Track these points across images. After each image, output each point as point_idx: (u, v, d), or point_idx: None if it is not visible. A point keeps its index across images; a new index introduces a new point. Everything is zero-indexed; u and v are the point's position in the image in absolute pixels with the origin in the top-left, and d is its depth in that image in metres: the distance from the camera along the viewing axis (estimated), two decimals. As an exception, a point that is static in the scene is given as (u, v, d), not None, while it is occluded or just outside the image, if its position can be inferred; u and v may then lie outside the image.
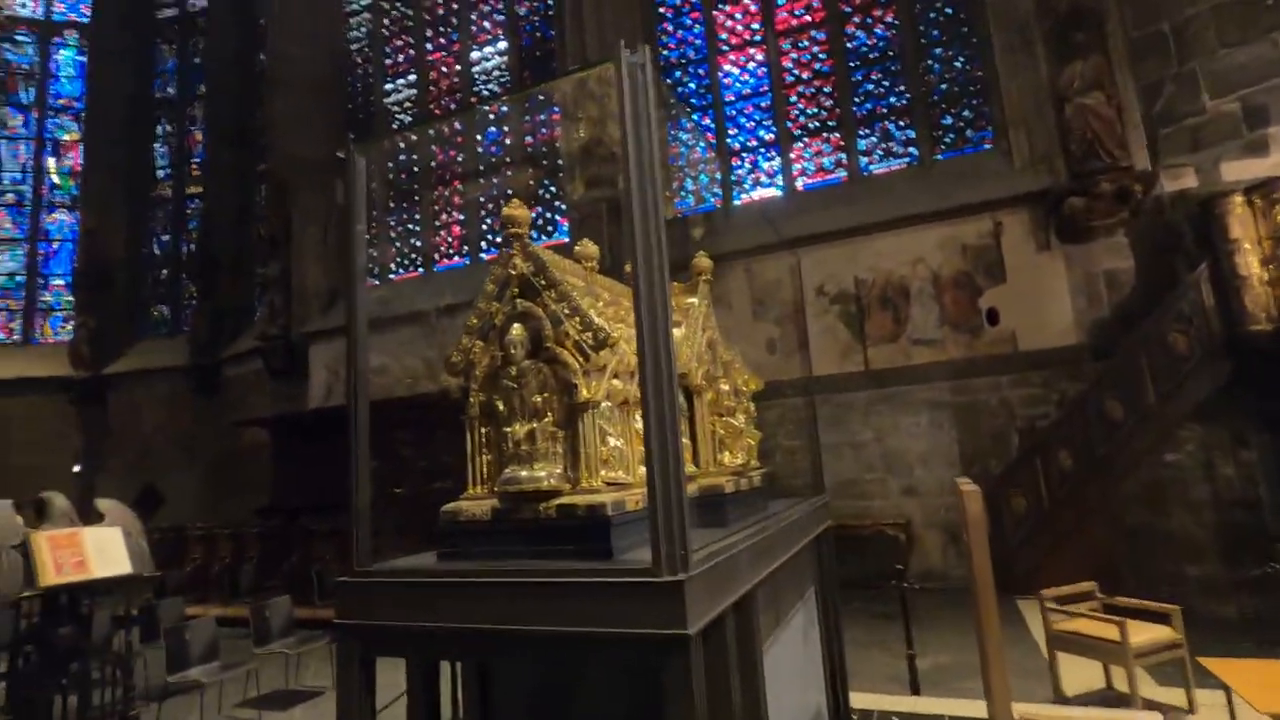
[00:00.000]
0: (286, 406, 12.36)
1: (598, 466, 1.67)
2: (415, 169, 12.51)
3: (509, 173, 11.85)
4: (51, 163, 16.07)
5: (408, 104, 13.25)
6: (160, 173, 16.21)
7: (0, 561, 3.60)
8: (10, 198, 15.76)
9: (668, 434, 1.35)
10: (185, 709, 5.16)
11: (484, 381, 1.78)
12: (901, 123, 9.15)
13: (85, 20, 16.58)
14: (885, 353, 8.74)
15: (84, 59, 16.49)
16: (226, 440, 13.84)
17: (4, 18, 15.83)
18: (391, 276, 12.83)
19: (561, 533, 1.59)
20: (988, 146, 8.71)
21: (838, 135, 9.45)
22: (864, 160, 9.31)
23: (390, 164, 12.64)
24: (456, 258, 12.20)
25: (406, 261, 12.72)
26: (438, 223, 12.43)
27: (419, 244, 12.48)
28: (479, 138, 12.29)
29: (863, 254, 8.82)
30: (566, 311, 1.70)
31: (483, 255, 12.09)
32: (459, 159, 12.27)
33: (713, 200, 10.02)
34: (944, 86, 8.92)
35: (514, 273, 1.76)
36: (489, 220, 12.11)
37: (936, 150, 9.04)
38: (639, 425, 1.88)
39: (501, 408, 1.72)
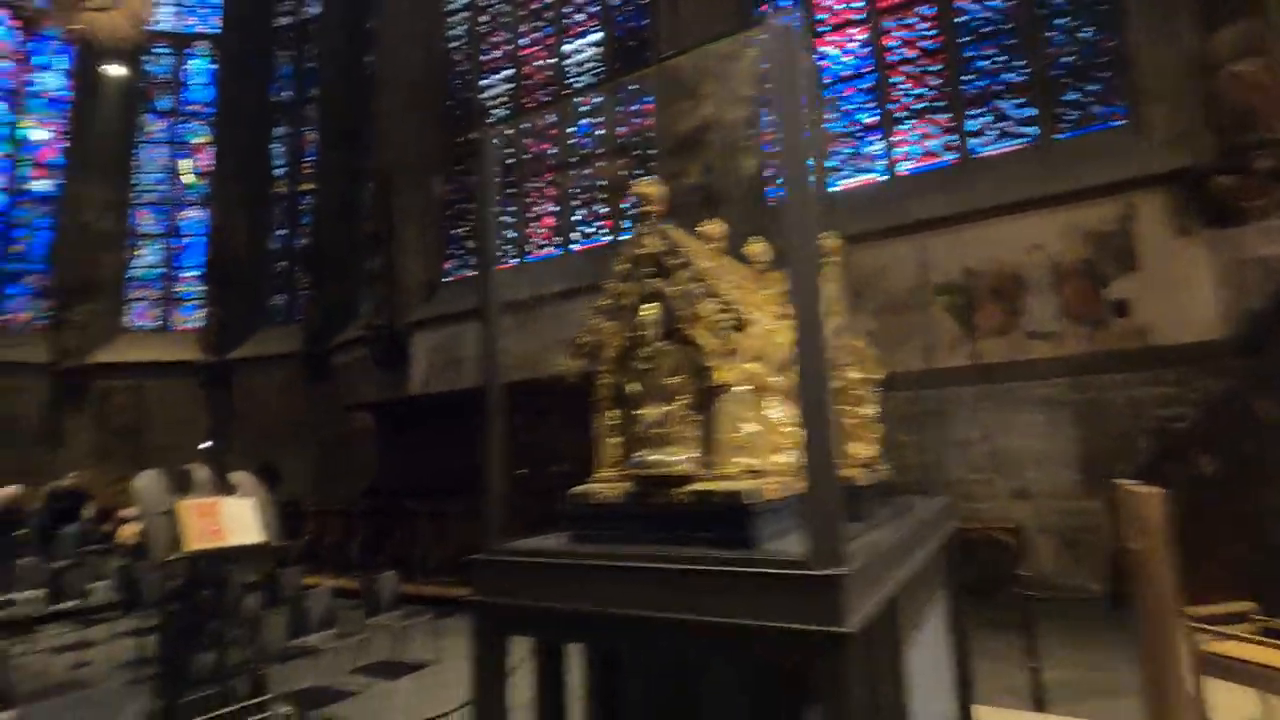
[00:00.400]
0: (390, 393, 12.98)
1: (732, 452, 1.60)
2: (510, 161, 12.80)
3: (599, 164, 11.93)
4: (184, 164, 17.50)
5: (502, 99, 13.56)
6: (277, 171, 17.33)
7: (152, 526, 3.92)
8: (152, 196, 17.30)
9: (824, 421, 1.26)
10: (303, 672, 5.48)
11: (614, 363, 1.74)
12: (1018, 100, 8.54)
13: (216, 32, 17.91)
14: (996, 346, 8.22)
15: (214, 68, 17.84)
16: (336, 424, 14.70)
17: (146, 34, 17.32)
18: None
19: (696, 519, 1.54)
20: (1117, 123, 7.99)
21: (946, 116, 8.94)
22: (975, 142, 8.77)
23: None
24: (549, 249, 12.42)
25: (500, 253, 13.04)
26: (529, 214, 12.68)
27: (513, 235, 12.78)
28: (570, 130, 12.43)
29: (973, 241, 8.31)
30: (700, 292, 1.64)
31: (572, 246, 12.25)
32: (551, 151, 12.46)
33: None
34: (1068, 60, 8.25)
35: (646, 252, 1.71)
36: (580, 212, 12.26)
37: (1057, 129, 8.39)
38: (773, 412, 1.80)
39: (632, 390, 1.68)
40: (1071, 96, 8.27)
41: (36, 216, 16.37)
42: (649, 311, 1.66)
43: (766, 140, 10.07)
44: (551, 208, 12.40)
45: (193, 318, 16.99)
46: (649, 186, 1.76)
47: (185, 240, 17.28)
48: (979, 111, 8.73)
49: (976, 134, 8.75)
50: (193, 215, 17.40)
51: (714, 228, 2.00)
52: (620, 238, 11.34)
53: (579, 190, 12.24)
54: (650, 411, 1.63)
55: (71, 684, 5.62)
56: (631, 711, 1.91)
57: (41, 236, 16.36)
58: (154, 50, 17.51)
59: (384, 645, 5.89)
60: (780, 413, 1.79)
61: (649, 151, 10.94)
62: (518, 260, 12.72)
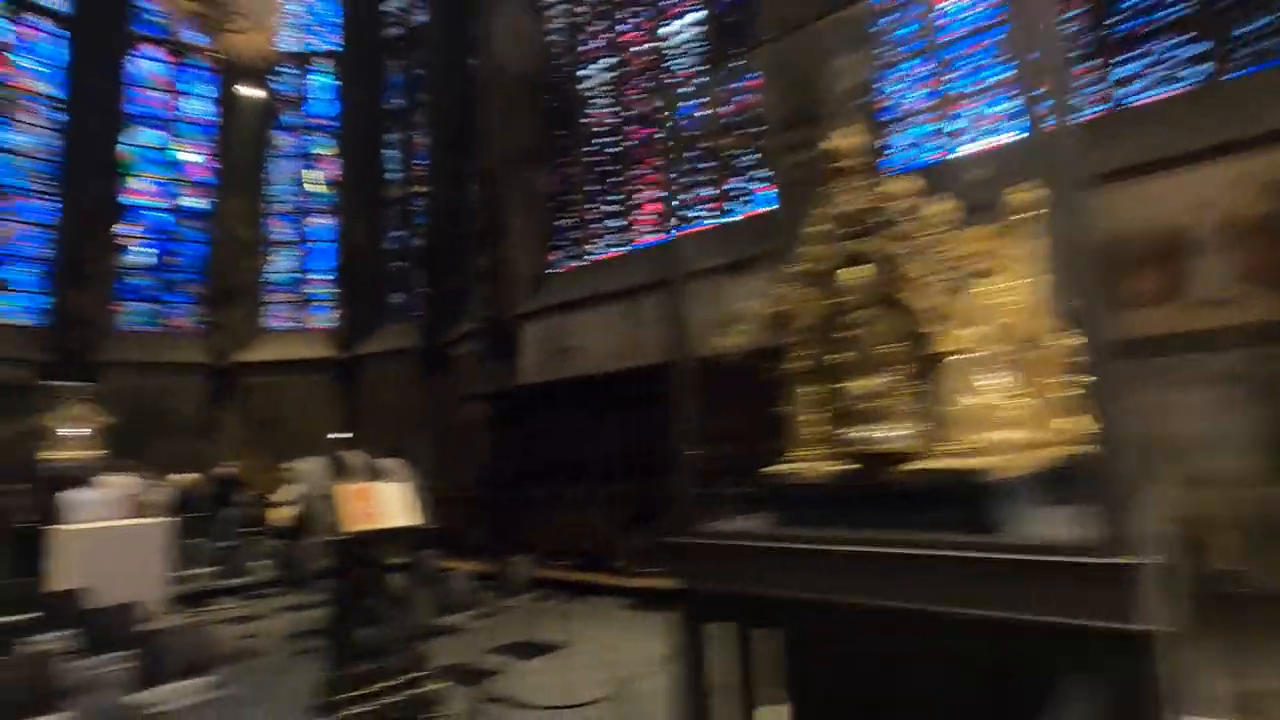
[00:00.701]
0: (501, 383, 13.41)
1: (958, 426, 1.43)
2: (617, 147, 12.83)
3: (703, 145, 11.73)
4: (309, 174, 18.79)
5: (603, 88, 13.61)
6: (393, 176, 18.27)
7: (314, 508, 4.17)
8: (285, 206, 18.70)
9: (1112, 391, 1.08)
10: (446, 649, 5.72)
11: (811, 333, 1.61)
12: (1177, 39, 7.61)
13: (335, 48, 19.06)
14: (1154, 317, 7.39)
15: (336, 83, 19.01)
16: (452, 413, 15.39)
17: (276, 54, 18.68)
18: (590, 256, 13.34)
19: (921, 500, 1.39)
20: (1305, 55, 6.95)
21: (1091, 64, 8.10)
22: (1125, 90, 7.90)
23: (591, 143, 13.10)
24: (654, 235, 12.37)
25: (606, 242, 13.15)
26: (635, 199, 12.68)
27: (619, 223, 12.83)
28: (670, 112, 12.28)
29: (1124, 200, 7.49)
30: (909, 252, 1.48)
31: (673, 232, 12.10)
32: (656, 135, 12.38)
33: (932, 154, 9.12)
34: (1241, -14, 7.25)
35: (848, 210, 1.57)
36: (681, 196, 12.10)
37: (1227, 68, 7.41)
38: (997, 381, 1.62)
39: (836, 361, 1.55)
40: (1245, 29, 7.27)
41: (192, 231, 18.07)
42: (855, 274, 1.52)
43: (881, 108, 9.56)
44: (657, 194, 12.32)
45: (323, 318, 18.25)
46: (845, 139, 1.61)
47: (314, 245, 18.55)
48: (1130, 55, 7.85)
49: (1127, 81, 7.87)
50: (320, 222, 18.66)
51: (910, 183, 1.82)
52: (730, 218, 11.13)
53: (678, 176, 12.07)
54: (860, 383, 1.49)
55: (243, 653, 6.16)
56: (827, 701, 1.79)
57: (197, 249, 18.06)
58: (280, 70, 18.85)
59: (518, 626, 6.08)
60: (1006, 381, 1.60)
61: (758, 129, 10.63)
62: (623, 249, 12.77)
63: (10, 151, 16.15)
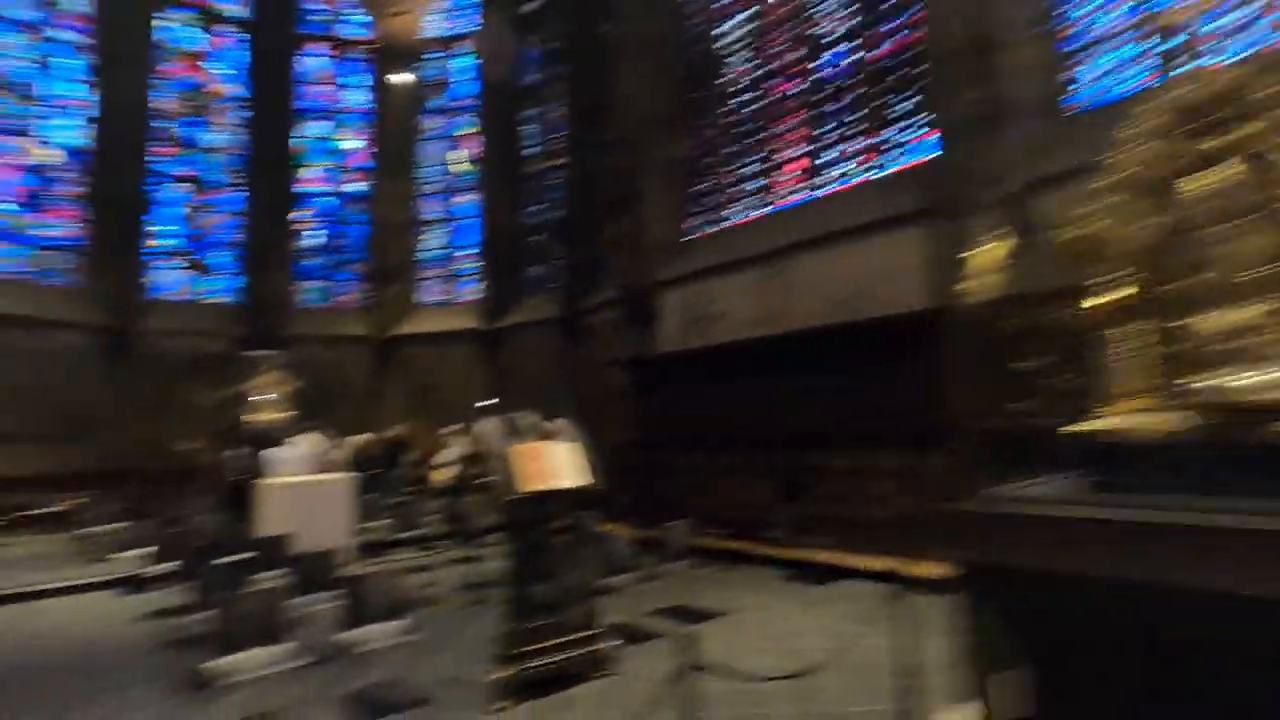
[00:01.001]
0: (641, 350, 13.49)
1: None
2: (756, 104, 12.35)
3: (851, 95, 10.97)
4: (454, 155, 19.72)
5: (740, 44, 13.09)
6: (532, 149, 18.76)
7: (496, 469, 4.30)
8: (434, 187, 19.81)
9: None
10: (608, 609, 5.81)
11: (1136, 261, 1.31)
12: None
13: (475, 29, 19.76)
14: None
15: (475, 63, 19.75)
16: (592, 382, 15.76)
17: (420, 41, 19.66)
18: (727, 221, 13.00)
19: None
20: None
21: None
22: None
23: (728, 104, 12.69)
24: (797, 195, 11.82)
25: (744, 205, 12.75)
26: (777, 159, 12.16)
27: (759, 184, 12.39)
28: (813, 65, 11.59)
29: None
30: (1289, 146, 1.13)
31: (817, 192, 11.49)
32: (801, 89, 11.76)
33: (1132, 83, 7.91)
34: None
35: (1197, 98, 1.24)
36: (828, 152, 11.44)
37: None
38: None
39: (1171, 294, 1.24)
40: None
41: (355, 214, 19.62)
42: (1211, 180, 1.20)
43: (1064, 37, 8.43)
44: (799, 150, 11.74)
45: (470, 291, 19.26)
46: (1183, 10, 1.27)
47: (460, 223, 19.54)
48: None
49: None
50: (466, 200, 19.59)
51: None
52: (880, 172, 10.38)
53: (826, 131, 11.40)
54: (1215, 319, 1.18)
55: (426, 601, 6.65)
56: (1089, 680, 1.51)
57: (359, 230, 19.61)
58: (427, 55, 19.83)
59: (677, 591, 6.09)
60: None
61: (914, 71, 9.76)
62: (764, 212, 12.32)
63: (210, 150, 18.22)
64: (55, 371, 14.79)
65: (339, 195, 19.63)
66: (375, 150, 19.74)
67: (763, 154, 12.40)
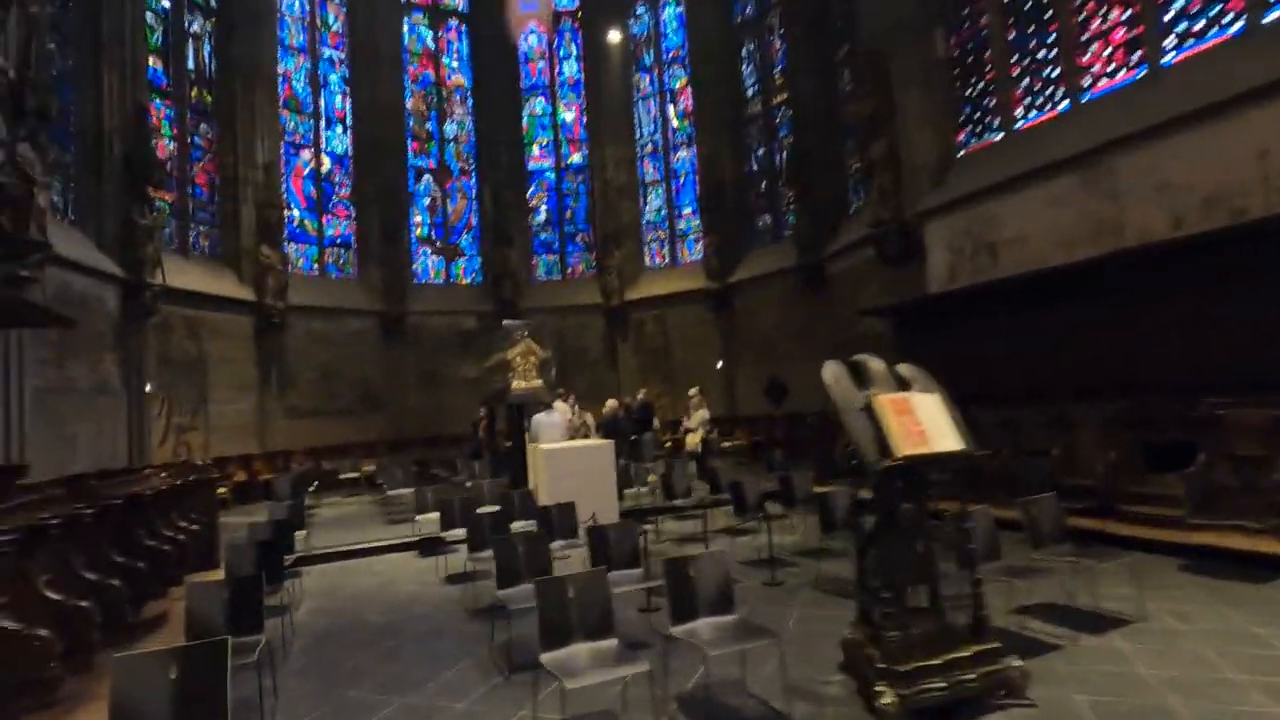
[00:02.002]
0: (904, 293, 11.71)
1: None
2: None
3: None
4: (671, 109, 18.99)
5: (1018, -98, 10.48)
6: (749, 91, 17.40)
7: (855, 425, 3.26)
8: (650, 147, 19.33)
9: None
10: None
11: None
12: None
13: (678, -26, 18.74)
14: None
15: (680, 9, 18.77)
16: (837, 333, 14.25)
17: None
18: (1013, 126, 10.62)
19: None
20: None
21: None
22: None
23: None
24: (1119, 76, 9.17)
25: (1037, 102, 10.28)
26: (1081, 36, 9.55)
27: (1056, 73, 9.88)
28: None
29: None
30: None
31: (1166, 59, 8.69)
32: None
33: None
34: None
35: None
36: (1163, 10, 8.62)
37: None
38: None
39: None
40: None
41: (579, 184, 19.86)
42: None
43: None
44: (1123, 15, 9.05)
45: (695, 250, 18.57)
46: None
47: (680, 181, 18.86)
48: None
49: None
50: (683, 156, 18.84)
51: None
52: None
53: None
54: None
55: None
56: None
57: (582, 201, 19.82)
58: (636, 12, 19.23)
59: (1048, 586, 4.67)
60: None
61: None
62: (1065, 107, 9.81)
63: (449, 140, 19.44)
64: (348, 353, 16.77)
65: (563, 168, 19.95)
66: (591, 118, 19.70)
67: (1057, 34, 9.84)
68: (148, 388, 12.41)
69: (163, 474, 7.54)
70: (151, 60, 13.74)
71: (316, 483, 13.09)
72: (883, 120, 11.85)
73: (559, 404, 10.10)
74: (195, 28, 14.92)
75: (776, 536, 6.86)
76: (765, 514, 6.74)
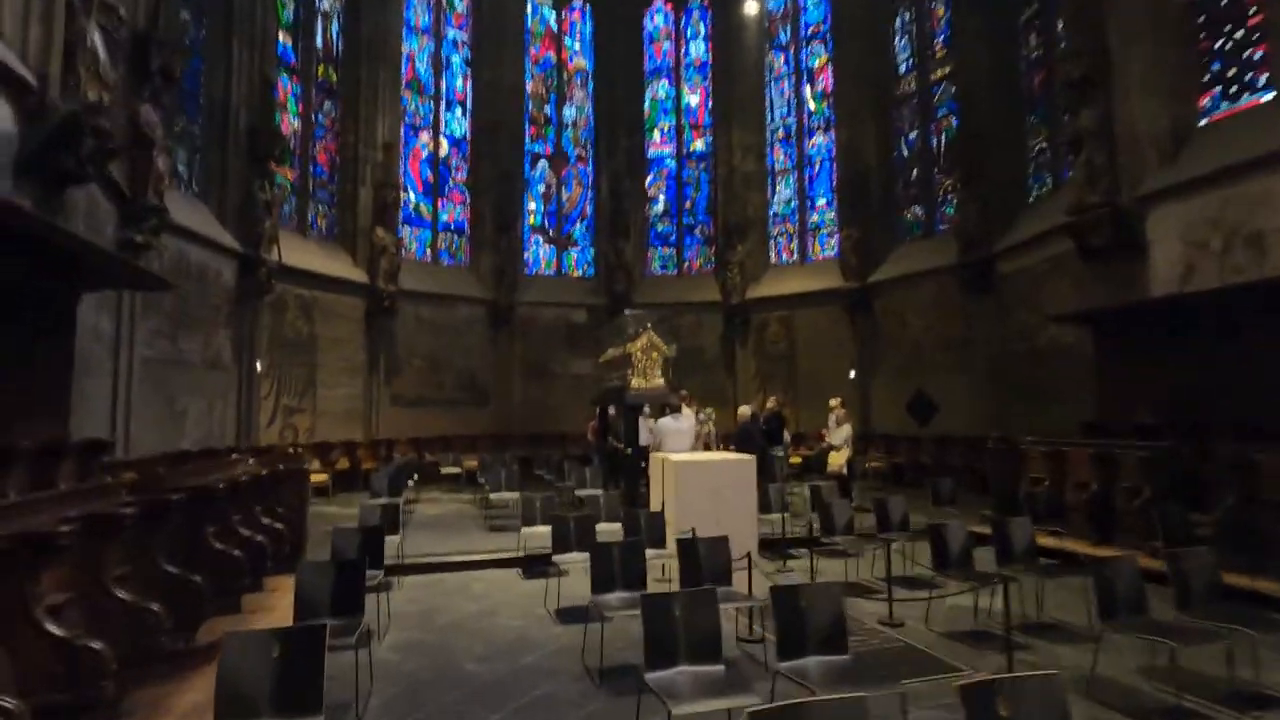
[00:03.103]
0: (1107, 296, 9.48)
1: None
2: None
3: None
4: (808, 90, 17.24)
5: None
6: (902, 67, 15.39)
7: None
8: (781, 133, 17.64)
9: None
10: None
11: None
12: None
13: (823, -59, 16.98)
14: None
15: (825, -20, 16.99)
16: (1012, 341, 12.06)
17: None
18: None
19: None
20: None
21: None
22: None
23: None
24: None
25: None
26: None
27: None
28: None
29: None
30: None
31: None
32: None
33: None
34: None
35: None
36: None
37: None
38: None
39: None
40: None
41: (699, 172, 18.46)
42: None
43: None
44: None
45: (829, 245, 16.72)
46: None
47: (816, 169, 17.05)
48: None
49: None
50: (819, 141, 17.04)
51: None
52: None
53: None
54: None
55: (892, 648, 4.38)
56: None
57: (704, 190, 18.40)
58: (772, -15, 17.64)
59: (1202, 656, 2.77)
60: None
61: None
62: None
63: (567, 126, 18.56)
64: (455, 342, 16.14)
65: (684, 155, 18.62)
66: (716, 102, 18.25)
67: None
68: (258, 366, 12.08)
69: (250, 460, 6.73)
70: (281, 36, 13.55)
71: (416, 476, 12.34)
72: (1095, 85, 9.67)
73: (688, 410, 8.67)
74: (325, 6, 14.70)
75: (983, 599, 5.15)
76: (998, 577, 5.00)
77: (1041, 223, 11.18)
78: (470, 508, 11.10)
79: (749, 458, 7.18)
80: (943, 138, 14.41)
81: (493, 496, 9.30)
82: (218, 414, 11.17)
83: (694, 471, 6.84)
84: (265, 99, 12.27)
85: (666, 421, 7.92)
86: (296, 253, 13.08)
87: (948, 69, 14.20)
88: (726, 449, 11.70)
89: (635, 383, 9.73)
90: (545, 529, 6.98)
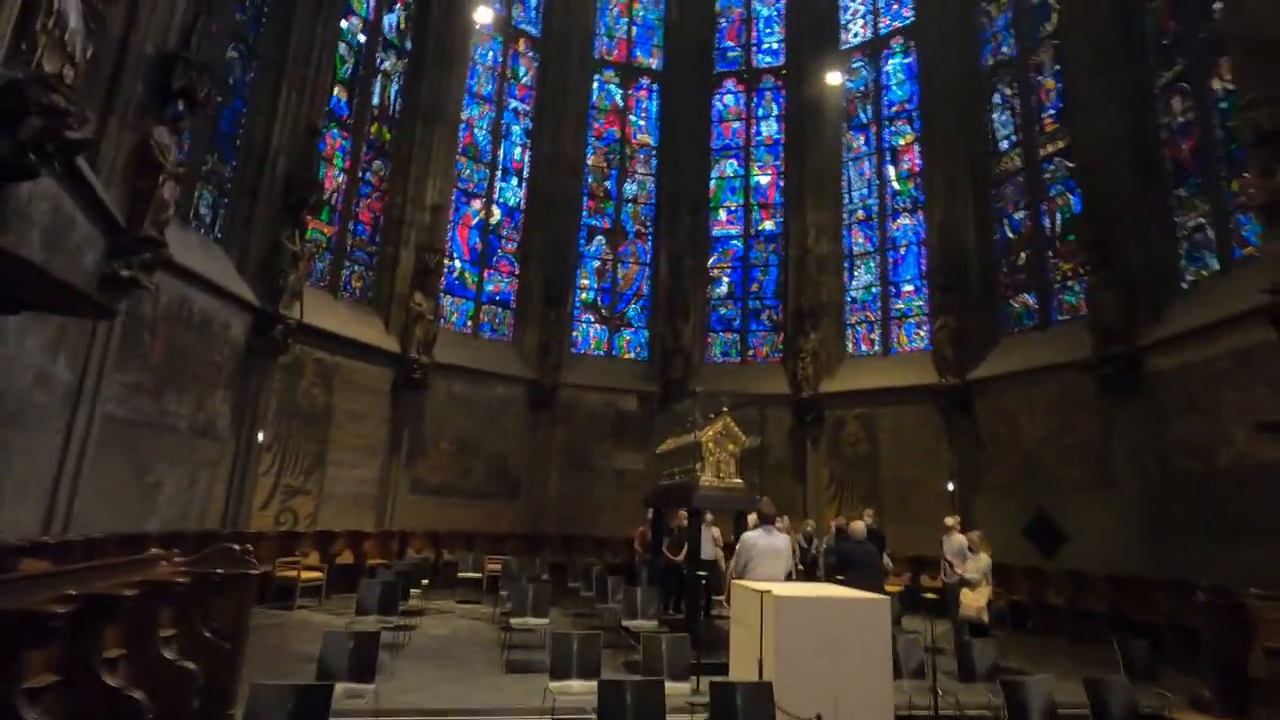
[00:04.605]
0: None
1: None
2: None
3: None
4: (891, 170, 15.83)
5: None
6: (1003, 143, 13.87)
7: None
8: (860, 214, 16.13)
9: None
10: None
11: None
12: None
13: (908, 22, 16.10)
14: None
15: (910, 60, 15.96)
16: (1170, 457, 9.63)
17: (842, 51, 16.67)
18: None
19: None
20: None
21: None
22: None
23: None
24: None
25: None
26: None
27: None
28: None
29: None
30: None
31: None
32: None
33: None
34: None
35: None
36: None
37: None
38: None
39: None
40: None
41: (768, 254, 16.93)
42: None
43: None
44: None
45: (917, 336, 14.71)
46: None
47: (901, 253, 15.34)
48: None
49: None
50: (904, 223, 15.42)
51: None
52: None
53: None
54: None
55: None
56: None
57: (772, 273, 16.81)
58: (852, 65, 16.69)
59: None
60: None
61: None
62: None
63: (627, 201, 17.47)
64: (489, 424, 14.34)
65: (752, 235, 17.20)
66: (786, 182, 16.98)
67: None
68: (260, 436, 10.41)
69: (177, 556, 4.81)
70: (336, 90, 12.84)
71: (426, 581, 10.22)
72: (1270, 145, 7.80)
73: (781, 523, 6.52)
74: (386, 65, 14.13)
75: None
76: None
77: (1211, 309, 9.05)
78: (487, 628, 8.86)
79: (882, 598, 4.95)
80: (1057, 218, 12.59)
81: (514, 622, 7.09)
82: (201, 490, 9.42)
83: (802, 611, 4.66)
84: (308, 146, 11.30)
85: (756, 536, 5.78)
86: (323, 313, 11.72)
87: (1061, 143, 12.58)
88: (811, 578, 9.35)
89: (706, 480, 7.66)
90: (584, 687, 4.82)
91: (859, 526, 7.19)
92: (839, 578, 6.83)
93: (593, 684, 4.43)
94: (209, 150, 10.06)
